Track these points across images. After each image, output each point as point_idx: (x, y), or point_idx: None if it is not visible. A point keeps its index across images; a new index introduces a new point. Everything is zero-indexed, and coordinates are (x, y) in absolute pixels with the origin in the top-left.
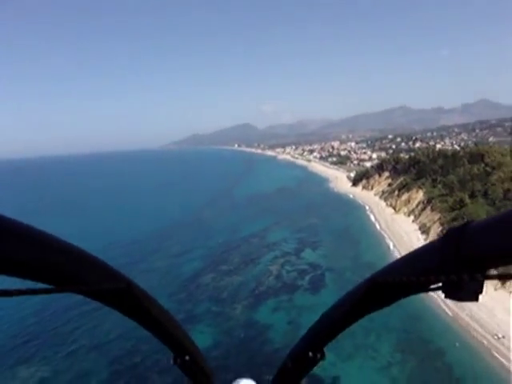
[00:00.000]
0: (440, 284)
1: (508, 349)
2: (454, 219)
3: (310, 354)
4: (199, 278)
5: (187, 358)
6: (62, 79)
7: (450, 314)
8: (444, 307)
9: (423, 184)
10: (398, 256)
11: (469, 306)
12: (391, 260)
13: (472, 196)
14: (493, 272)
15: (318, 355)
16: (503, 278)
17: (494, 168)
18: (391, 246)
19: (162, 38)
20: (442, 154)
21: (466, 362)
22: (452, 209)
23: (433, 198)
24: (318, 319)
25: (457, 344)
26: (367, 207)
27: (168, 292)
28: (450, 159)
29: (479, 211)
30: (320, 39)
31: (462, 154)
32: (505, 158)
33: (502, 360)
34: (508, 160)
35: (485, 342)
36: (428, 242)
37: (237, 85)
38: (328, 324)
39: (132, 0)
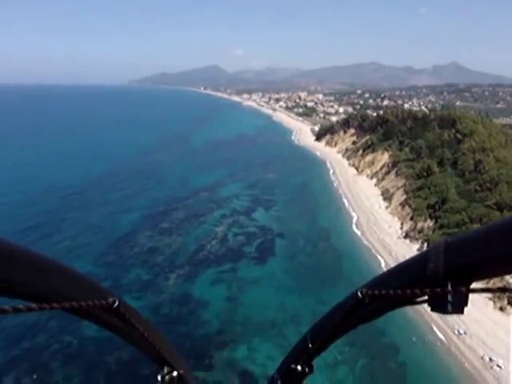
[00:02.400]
0: (426, 297)
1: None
2: (419, 188)
3: (299, 367)
4: (134, 236)
5: (175, 374)
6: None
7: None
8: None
9: (390, 146)
10: (357, 226)
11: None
12: (350, 230)
13: (441, 164)
14: (477, 285)
15: (307, 369)
16: (487, 291)
17: (465, 135)
18: (351, 211)
19: None
20: (412, 115)
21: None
22: (418, 176)
23: (398, 162)
24: (306, 332)
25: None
26: (329, 165)
27: (96, 252)
28: (420, 122)
29: (447, 182)
30: None
31: (432, 117)
32: (477, 126)
33: None
34: (480, 128)
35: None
36: (413, 255)
37: (209, 26)
38: (316, 337)
39: None
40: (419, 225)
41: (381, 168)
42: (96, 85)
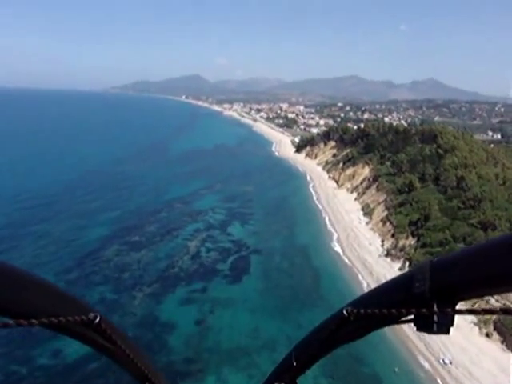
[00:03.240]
0: (411, 317)
1: None
2: (401, 204)
3: None
4: (101, 251)
5: None
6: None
7: None
8: None
9: (370, 159)
10: (336, 242)
11: None
12: (328, 247)
13: (422, 179)
14: (463, 306)
15: None
16: (472, 313)
17: (446, 151)
18: (330, 227)
19: None
20: (393, 129)
21: None
22: (399, 191)
23: (379, 176)
24: (290, 351)
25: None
26: (308, 178)
27: (58, 268)
28: (401, 136)
29: (430, 198)
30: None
31: (414, 131)
32: (458, 142)
33: None
34: (461, 144)
35: None
36: (399, 274)
37: (192, 36)
38: (300, 355)
39: None
40: (401, 242)
41: (361, 182)
42: (74, 90)
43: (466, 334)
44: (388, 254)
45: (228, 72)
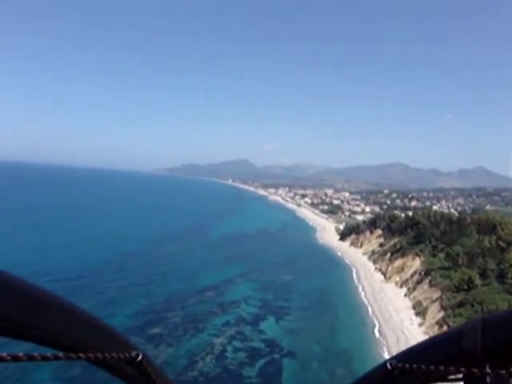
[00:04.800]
0: (460, 375)
1: None
2: (460, 304)
3: None
4: None
5: None
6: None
7: None
8: None
9: (421, 251)
10: (384, 349)
11: None
12: (374, 352)
13: (483, 275)
14: None
15: None
16: None
17: (510, 243)
18: (376, 329)
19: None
20: (446, 218)
21: None
22: (457, 288)
23: (432, 270)
24: None
25: None
26: (353, 268)
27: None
28: (455, 225)
29: (495, 298)
30: (329, 96)
31: (469, 221)
32: None
33: None
34: None
35: None
36: (448, 329)
37: (240, 122)
38: None
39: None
40: None
41: (411, 275)
42: (123, 170)
43: None
44: None
45: (274, 158)
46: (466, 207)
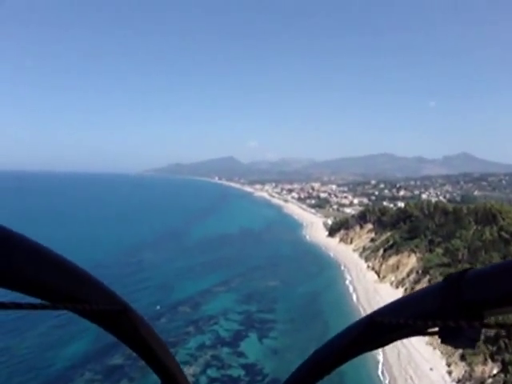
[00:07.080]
0: (437, 329)
1: None
2: None
3: None
4: (71, 373)
5: None
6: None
7: None
8: None
9: (417, 246)
10: (384, 367)
11: None
12: (372, 373)
13: None
14: (491, 320)
15: None
16: (501, 327)
17: None
18: None
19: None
20: (441, 208)
21: None
22: None
23: (431, 268)
24: (310, 356)
25: None
26: (344, 268)
27: None
28: (451, 217)
29: None
30: (312, 86)
31: (465, 211)
32: None
33: None
34: None
35: None
36: (428, 285)
37: (225, 120)
38: (320, 361)
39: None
40: (477, 369)
41: (408, 274)
42: (109, 173)
43: None
44: None
45: (260, 154)
46: (455, 194)
